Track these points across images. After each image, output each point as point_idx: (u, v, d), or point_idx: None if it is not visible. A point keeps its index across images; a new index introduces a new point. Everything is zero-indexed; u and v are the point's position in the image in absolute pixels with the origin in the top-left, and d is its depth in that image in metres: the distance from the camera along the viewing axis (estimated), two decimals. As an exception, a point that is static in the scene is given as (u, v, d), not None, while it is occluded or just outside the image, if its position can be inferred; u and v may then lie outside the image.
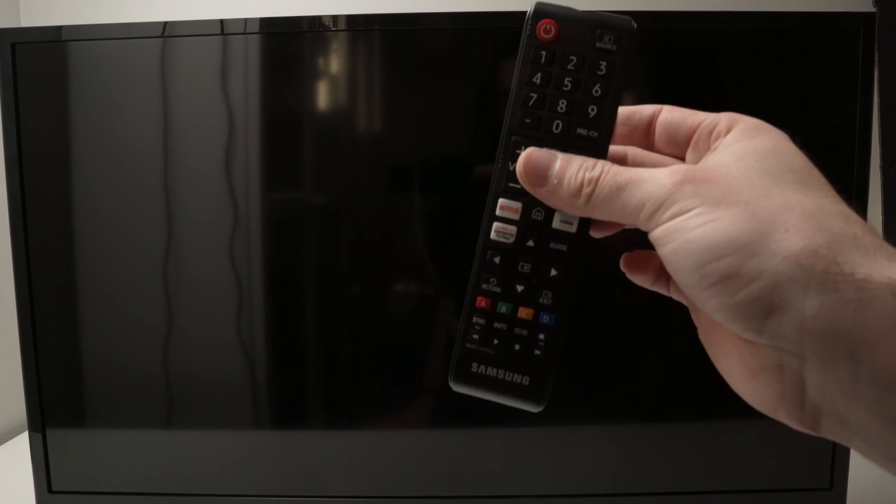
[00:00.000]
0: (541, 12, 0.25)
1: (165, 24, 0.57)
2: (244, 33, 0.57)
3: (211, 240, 0.60)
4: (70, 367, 0.61)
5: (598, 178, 0.24)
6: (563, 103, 0.26)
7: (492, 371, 0.27)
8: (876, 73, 0.57)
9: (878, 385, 0.19)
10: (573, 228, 0.26)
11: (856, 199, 0.57)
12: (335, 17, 0.57)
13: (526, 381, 0.27)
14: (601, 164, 0.24)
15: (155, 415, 0.62)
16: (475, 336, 0.27)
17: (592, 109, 0.26)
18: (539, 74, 0.26)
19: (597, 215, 0.25)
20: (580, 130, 0.25)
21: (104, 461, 0.62)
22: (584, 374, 0.61)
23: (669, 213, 0.22)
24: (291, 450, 0.62)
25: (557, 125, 0.26)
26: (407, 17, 0.58)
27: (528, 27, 0.26)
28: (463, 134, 0.60)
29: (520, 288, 0.26)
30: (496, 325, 0.27)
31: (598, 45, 0.25)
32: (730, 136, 0.25)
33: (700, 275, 0.21)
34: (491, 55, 0.58)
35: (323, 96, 0.59)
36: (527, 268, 0.26)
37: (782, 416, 0.23)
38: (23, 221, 0.59)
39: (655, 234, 0.23)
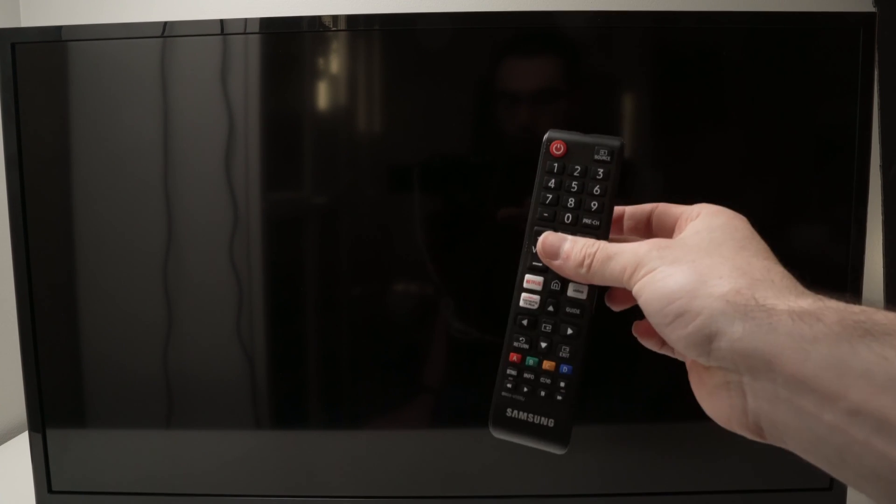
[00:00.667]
0: (553, 137, 0.34)
1: (165, 24, 0.57)
2: (244, 33, 0.57)
3: (211, 240, 0.60)
4: (70, 367, 0.61)
5: (594, 253, 0.32)
6: (571, 201, 0.34)
7: (522, 415, 0.33)
8: (876, 73, 0.57)
9: (789, 387, 0.25)
10: (584, 296, 0.33)
11: (856, 199, 0.58)
12: (335, 17, 0.57)
13: (551, 423, 0.33)
14: (598, 243, 0.32)
15: (155, 415, 0.62)
16: (509, 385, 0.34)
17: (594, 204, 0.33)
18: (553, 181, 0.34)
19: (596, 280, 0.32)
20: (585, 220, 0.34)
21: (104, 461, 0.62)
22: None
23: (642, 272, 0.29)
24: (291, 450, 0.62)
25: (568, 217, 0.34)
26: (407, 17, 0.58)
27: (544, 147, 0.34)
28: (463, 134, 0.60)
29: (543, 344, 0.33)
30: (525, 375, 0.33)
31: (595, 157, 0.34)
32: (697, 218, 0.32)
33: (662, 314, 0.28)
34: (491, 55, 0.58)
35: (323, 96, 0.59)
36: (548, 328, 0.33)
37: (735, 427, 0.29)
38: (23, 221, 0.59)
39: (635, 290, 0.30)
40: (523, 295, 0.34)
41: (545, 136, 0.35)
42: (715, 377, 0.28)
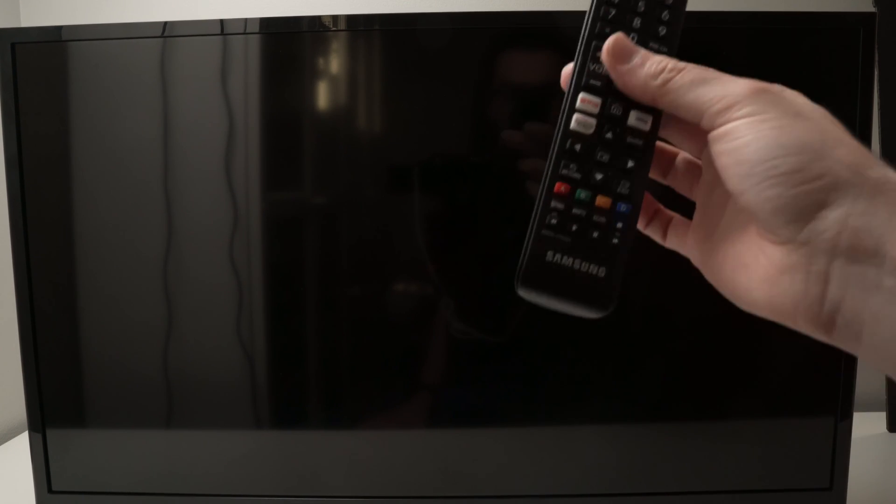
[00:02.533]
0: None
1: (165, 24, 0.57)
2: (244, 33, 0.57)
3: (211, 240, 0.60)
4: (70, 367, 0.61)
5: (681, 69, 0.27)
6: (637, 20, 0.28)
7: (567, 260, 0.27)
8: (876, 73, 0.57)
9: None
10: (647, 126, 0.28)
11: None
12: (335, 17, 0.57)
13: (602, 272, 0.27)
14: (686, 63, 0.27)
15: (155, 415, 0.62)
16: (553, 222, 0.27)
17: (662, 30, 0.29)
18: (612, 4, 0.29)
19: (666, 102, 0.27)
20: (652, 44, 0.28)
21: (104, 461, 0.62)
22: (584, 374, 0.61)
23: (745, 111, 0.25)
24: (291, 450, 0.62)
25: (633, 37, 0.28)
26: (407, 17, 0.58)
27: None
28: (463, 134, 0.60)
29: (598, 176, 0.27)
30: (575, 211, 0.27)
31: None
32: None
33: (768, 165, 0.24)
34: (491, 55, 0.58)
35: (323, 96, 0.59)
36: (605, 158, 0.27)
37: (799, 318, 0.24)
38: (23, 221, 0.59)
39: (726, 129, 0.25)
40: (576, 116, 0.28)
41: None
42: (788, 257, 0.24)
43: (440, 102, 0.59)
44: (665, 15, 0.29)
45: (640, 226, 0.31)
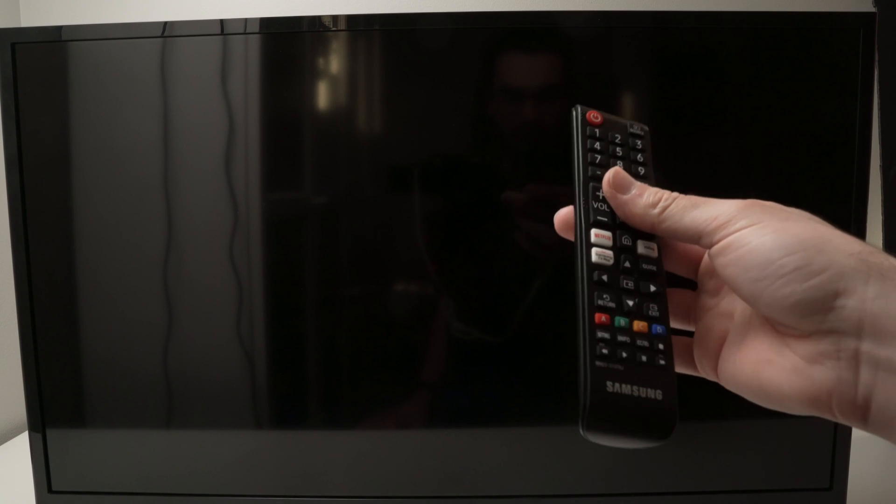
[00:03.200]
0: (586, 108, 0.33)
1: (165, 24, 0.57)
2: (244, 33, 0.57)
3: (211, 240, 0.60)
4: (70, 367, 0.61)
5: (675, 197, 0.29)
6: (619, 163, 0.32)
7: (626, 388, 0.26)
8: (876, 73, 0.57)
9: None
10: (655, 253, 0.30)
11: (856, 199, 0.58)
12: (335, 17, 0.57)
13: (659, 395, 0.27)
14: (675, 194, 0.29)
15: (155, 415, 0.62)
16: (604, 351, 0.27)
17: (641, 170, 0.32)
18: (597, 143, 0.32)
19: (664, 228, 0.29)
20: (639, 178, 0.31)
21: (104, 461, 0.62)
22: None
23: (741, 223, 0.26)
24: (291, 450, 0.62)
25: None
26: (407, 17, 0.58)
27: (579, 116, 0.33)
28: (463, 134, 0.60)
29: (630, 302, 0.28)
30: (619, 338, 0.27)
31: (630, 131, 0.33)
32: (743, 213, 0.28)
33: (776, 266, 0.25)
34: (491, 55, 0.58)
35: (323, 96, 0.59)
36: (630, 284, 0.29)
37: (835, 405, 0.25)
38: (23, 221, 0.59)
39: (727, 241, 0.26)
40: (595, 250, 0.29)
41: (575, 108, 0.33)
42: (816, 346, 0.25)
43: (440, 102, 0.59)
44: (639, 156, 0.32)
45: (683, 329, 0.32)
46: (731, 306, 0.30)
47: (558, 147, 0.60)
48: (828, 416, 0.25)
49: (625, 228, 0.30)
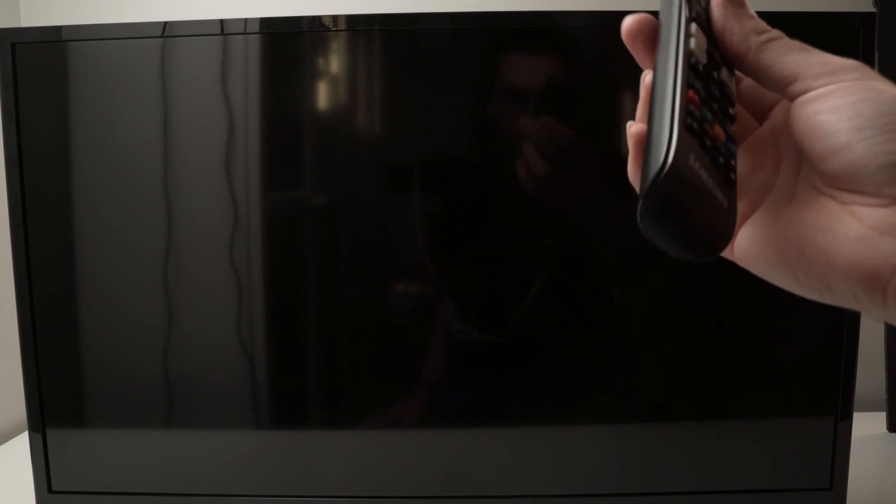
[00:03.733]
0: None
1: (165, 24, 0.57)
2: (244, 33, 0.57)
3: (211, 240, 0.60)
4: (70, 367, 0.61)
5: (782, 35, 0.27)
6: None
7: (703, 174, 0.23)
8: (876, 73, 0.57)
9: None
10: (734, 86, 0.27)
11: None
12: (335, 17, 0.57)
13: (726, 203, 0.24)
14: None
15: (155, 415, 0.62)
16: (694, 125, 0.23)
17: None
18: None
19: (761, 57, 0.26)
20: None
21: (104, 461, 0.62)
22: (584, 373, 0.61)
23: (853, 75, 0.24)
24: (291, 450, 0.62)
25: None
26: (407, 17, 0.58)
27: None
28: (463, 134, 0.60)
29: (715, 105, 0.25)
30: (705, 126, 0.24)
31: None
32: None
33: (887, 120, 0.23)
34: (491, 55, 0.58)
35: (323, 96, 0.59)
36: (717, 93, 0.26)
37: (890, 288, 0.23)
38: (23, 221, 0.59)
39: (835, 87, 0.24)
40: (693, 39, 0.25)
41: None
42: (892, 218, 0.23)
43: (440, 102, 0.59)
44: None
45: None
46: (775, 174, 0.28)
47: (558, 147, 0.60)
48: (872, 300, 0.24)
49: (716, 47, 0.27)
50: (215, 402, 0.62)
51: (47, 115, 0.59)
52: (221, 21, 0.57)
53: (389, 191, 0.59)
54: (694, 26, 0.26)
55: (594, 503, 0.61)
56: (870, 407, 0.84)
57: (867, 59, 0.56)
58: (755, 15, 0.27)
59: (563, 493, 0.61)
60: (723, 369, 0.61)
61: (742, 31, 0.27)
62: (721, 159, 0.24)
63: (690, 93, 0.24)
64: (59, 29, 0.58)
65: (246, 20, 0.57)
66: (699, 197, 0.22)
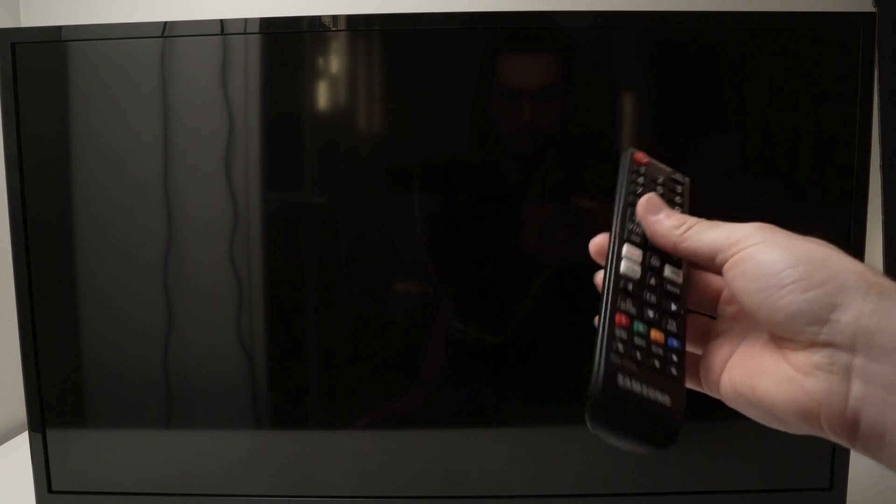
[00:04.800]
0: (635, 150, 0.37)
1: (165, 24, 0.57)
2: (244, 33, 0.57)
3: (211, 240, 0.60)
4: (70, 367, 0.61)
5: (698, 221, 0.31)
6: (659, 189, 0.35)
7: (637, 386, 0.27)
8: (876, 73, 0.57)
9: None
10: (680, 279, 0.32)
11: (856, 199, 0.58)
12: (335, 17, 0.57)
13: (668, 401, 0.27)
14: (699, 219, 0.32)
15: (155, 415, 0.62)
16: (620, 348, 0.28)
17: (678, 208, 0.34)
18: (640, 178, 0.35)
19: (686, 246, 0.31)
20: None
21: (104, 461, 0.62)
22: (583, 373, 0.61)
23: (752, 241, 0.28)
24: (291, 450, 0.62)
25: None
26: (407, 17, 0.58)
27: (629, 156, 0.36)
28: (463, 134, 0.60)
29: (650, 313, 0.30)
30: (636, 341, 0.28)
31: (672, 178, 0.36)
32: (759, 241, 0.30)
33: (778, 277, 0.26)
34: (491, 55, 0.58)
35: (323, 96, 0.59)
36: (653, 299, 0.30)
37: (823, 418, 0.26)
38: (23, 221, 0.59)
39: (739, 256, 0.28)
40: (624, 262, 0.31)
41: (628, 151, 0.37)
42: (810, 358, 0.26)
43: (440, 102, 0.59)
44: (677, 198, 0.35)
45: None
46: (745, 331, 0.31)
47: (558, 147, 0.60)
48: (816, 431, 0.27)
49: (654, 251, 0.32)
50: (215, 402, 0.62)
51: (47, 115, 0.59)
52: (221, 21, 0.57)
53: (389, 191, 0.59)
54: (626, 247, 0.32)
55: (594, 503, 0.61)
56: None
57: (867, 59, 0.56)
58: (672, 211, 0.32)
59: (563, 493, 0.61)
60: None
61: (663, 233, 0.32)
62: (657, 362, 0.28)
63: (618, 317, 0.29)
64: (59, 29, 0.58)
65: (246, 20, 0.57)
66: (636, 407, 0.26)
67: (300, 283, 0.61)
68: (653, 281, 0.31)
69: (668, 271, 0.32)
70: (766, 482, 0.61)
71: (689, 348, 0.32)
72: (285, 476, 0.62)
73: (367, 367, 0.62)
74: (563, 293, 0.60)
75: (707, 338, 0.33)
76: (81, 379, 0.62)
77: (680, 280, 0.32)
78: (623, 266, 0.31)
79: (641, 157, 0.36)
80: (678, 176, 0.36)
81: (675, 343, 0.29)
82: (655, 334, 0.29)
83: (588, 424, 0.27)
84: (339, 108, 0.59)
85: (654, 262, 0.32)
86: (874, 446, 0.25)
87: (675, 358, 0.29)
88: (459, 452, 0.62)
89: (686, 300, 0.32)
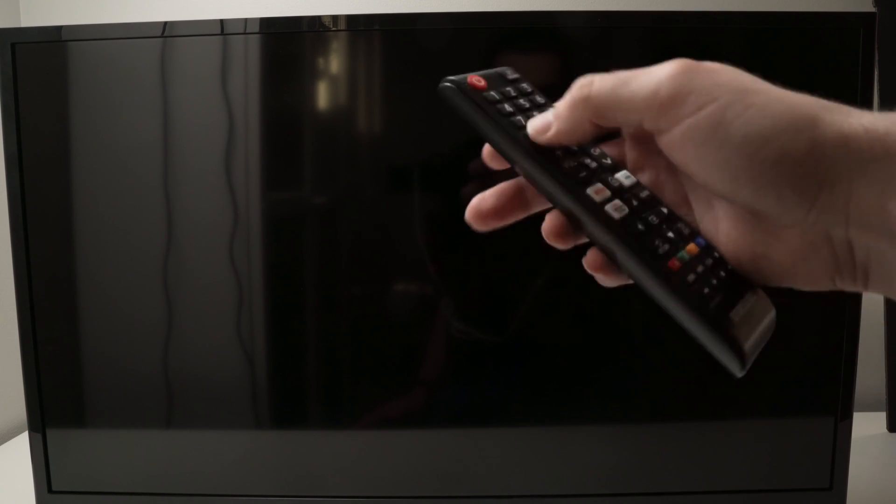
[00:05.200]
0: (460, 77, 0.29)
1: (165, 24, 0.57)
2: (244, 33, 0.57)
3: (211, 240, 0.60)
4: (70, 367, 0.61)
5: (592, 80, 0.25)
6: (535, 114, 0.28)
7: (740, 309, 0.25)
8: (876, 73, 0.57)
9: None
10: (633, 178, 0.27)
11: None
12: (335, 17, 0.57)
13: (753, 297, 0.25)
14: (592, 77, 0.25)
15: (155, 415, 0.62)
16: (706, 290, 0.24)
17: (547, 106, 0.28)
18: (504, 106, 0.28)
19: (603, 113, 0.25)
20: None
21: (104, 461, 0.62)
22: (584, 374, 0.61)
23: (692, 103, 0.23)
24: (291, 450, 0.62)
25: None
26: (407, 17, 0.58)
27: (463, 88, 0.29)
28: (463, 134, 0.60)
29: (670, 234, 0.26)
30: (699, 269, 0.25)
31: (509, 77, 0.30)
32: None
33: (755, 163, 0.22)
34: (491, 55, 0.58)
35: (323, 96, 0.59)
36: (654, 219, 0.26)
37: (839, 283, 0.24)
38: (23, 221, 0.59)
39: (682, 132, 0.23)
40: (607, 207, 0.26)
41: (449, 80, 0.29)
42: (809, 236, 0.24)
43: (440, 102, 0.59)
44: (538, 97, 0.29)
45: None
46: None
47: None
48: (830, 289, 0.25)
49: (598, 173, 0.27)
50: (215, 402, 0.62)
51: (47, 115, 0.59)
52: (221, 21, 0.57)
53: (389, 191, 0.59)
54: (590, 190, 0.26)
55: (594, 503, 0.61)
56: (870, 407, 0.84)
57: (867, 59, 0.56)
58: (559, 103, 0.26)
59: (563, 493, 0.61)
60: (723, 369, 0.61)
61: (572, 123, 0.26)
62: (721, 270, 0.25)
63: (671, 263, 0.24)
64: (59, 29, 0.58)
65: (246, 20, 0.57)
66: (752, 319, 0.25)
67: (300, 283, 0.61)
68: (634, 201, 0.26)
69: (623, 180, 0.27)
70: (766, 482, 0.61)
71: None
72: (285, 476, 0.62)
73: (367, 367, 0.62)
74: (563, 293, 0.60)
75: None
76: (81, 379, 0.62)
77: (634, 178, 0.27)
78: (611, 210, 0.25)
79: (476, 79, 0.29)
80: (507, 71, 0.31)
81: (702, 241, 0.26)
82: (690, 248, 0.25)
83: (738, 374, 0.25)
84: (339, 108, 0.59)
85: (613, 182, 0.27)
86: (887, 289, 0.24)
87: (717, 254, 0.26)
88: (459, 452, 0.62)
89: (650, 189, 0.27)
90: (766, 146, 0.22)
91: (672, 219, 0.26)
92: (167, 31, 0.57)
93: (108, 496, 0.62)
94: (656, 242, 0.25)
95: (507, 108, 0.28)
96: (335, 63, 0.58)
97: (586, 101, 0.25)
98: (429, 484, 0.61)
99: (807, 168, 0.22)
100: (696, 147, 0.23)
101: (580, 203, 0.26)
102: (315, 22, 0.57)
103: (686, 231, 0.26)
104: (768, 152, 0.22)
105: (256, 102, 0.58)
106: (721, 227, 0.26)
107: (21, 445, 0.79)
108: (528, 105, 0.29)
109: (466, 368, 0.62)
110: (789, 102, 0.22)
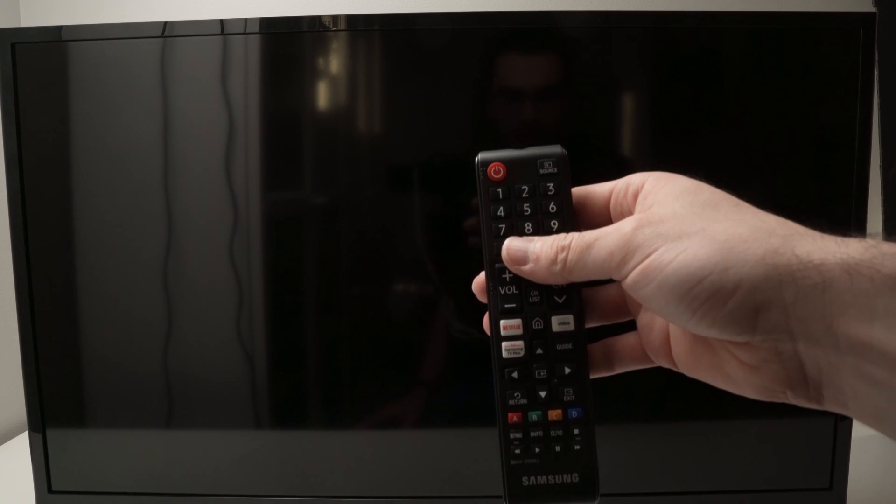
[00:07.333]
0: (487, 159, 0.31)
1: (165, 24, 0.57)
2: (244, 33, 0.57)
3: (211, 240, 0.60)
4: (70, 367, 0.61)
5: (568, 244, 0.28)
6: (528, 226, 0.30)
7: (542, 479, 0.28)
8: (876, 73, 0.57)
9: (854, 351, 0.22)
10: (571, 326, 0.29)
11: (856, 199, 0.58)
12: (335, 17, 0.57)
13: (576, 477, 0.29)
14: (570, 234, 0.28)
15: (155, 415, 0.62)
16: (517, 451, 0.29)
17: (554, 224, 0.29)
18: (501, 209, 0.30)
19: (575, 277, 0.28)
20: (548, 222, 0.30)
21: (104, 461, 0.62)
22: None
23: (638, 257, 0.25)
24: (291, 450, 0.62)
25: (528, 227, 0.30)
26: (407, 17, 0.58)
27: (481, 173, 0.30)
28: (463, 134, 0.60)
29: (542, 393, 0.29)
30: (532, 434, 0.29)
31: (541, 172, 0.30)
32: (648, 186, 0.28)
33: (689, 300, 0.24)
34: (491, 55, 0.58)
35: (323, 96, 0.59)
36: (543, 373, 0.29)
37: (791, 398, 0.25)
38: (23, 221, 0.59)
39: (632, 279, 0.26)
40: (504, 344, 0.29)
41: (477, 159, 0.31)
42: (759, 352, 0.25)
43: (440, 102, 0.59)
44: (552, 205, 0.30)
45: (639, 365, 0.32)
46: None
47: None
48: (783, 401, 0.26)
49: (534, 308, 0.29)
50: (215, 402, 0.62)
51: (47, 115, 0.59)
52: (221, 21, 0.57)
53: (389, 191, 0.59)
54: (503, 323, 0.29)
55: (594, 503, 0.61)
56: (870, 407, 0.84)
57: (867, 59, 0.56)
58: (536, 249, 0.29)
59: (563, 493, 0.61)
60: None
61: (545, 274, 0.28)
62: (558, 447, 0.28)
63: (510, 416, 0.29)
64: (59, 29, 0.58)
65: (246, 20, 0.57)
66: (547, 495, 0.28)
67: (300, 283, 0.61)
68: (540, 350, 0.29)
69: (556, 325, 0.29)
70: (766, 482, 0.61)
71: (615, 320, 0.32)
72: (285, 476, 0.62)
73: (367, 367, 0.62)
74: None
75: (629, 306, 0.31)
76: (81, 379, 0.62)
77: (571, 327, 0.29)
78: (504, 350, 0.29)
79: (495, 171, 0.30)
80: (548, 163, 0.30)
81: (574, 413, 0.29)
82: (553, 413, 0.29)
83: None
84: (339, 108, 0.59)
85: (537, 324, 0.29)
86: (840, 406, 0.24)
87: (576, 431, 0.29)
88: (459, 452, 0.62)
89: (583, 346, 0.30)
90: (698, 285, 0.24)
91: (567, 380, 0.29)
92: (167, 32, 0.57)
93: (108, 496, 0.62)
94: (516, 393, 0.29)
95: (502, 211, 0.30)
96: (335, 63, 0.58)
97: (562, 269, 0.28)
98: (429, 484, 0.61)
99: (739, 299, 0.23)
100: (643, 289, 0.26)
101: (491, 324, 0.30)
102: (315, 22, 0.57)
103: (567, 398, 0.29)
104: (699, 290, 0.24)
105: (256, 102, 0.58)
106: (679, 347, 0.29)
107: (21, 445, 0.79)
108: (529, 211, 0.30)
109: (466, 368, 0.62)
110: (724, 239, 0.24)
